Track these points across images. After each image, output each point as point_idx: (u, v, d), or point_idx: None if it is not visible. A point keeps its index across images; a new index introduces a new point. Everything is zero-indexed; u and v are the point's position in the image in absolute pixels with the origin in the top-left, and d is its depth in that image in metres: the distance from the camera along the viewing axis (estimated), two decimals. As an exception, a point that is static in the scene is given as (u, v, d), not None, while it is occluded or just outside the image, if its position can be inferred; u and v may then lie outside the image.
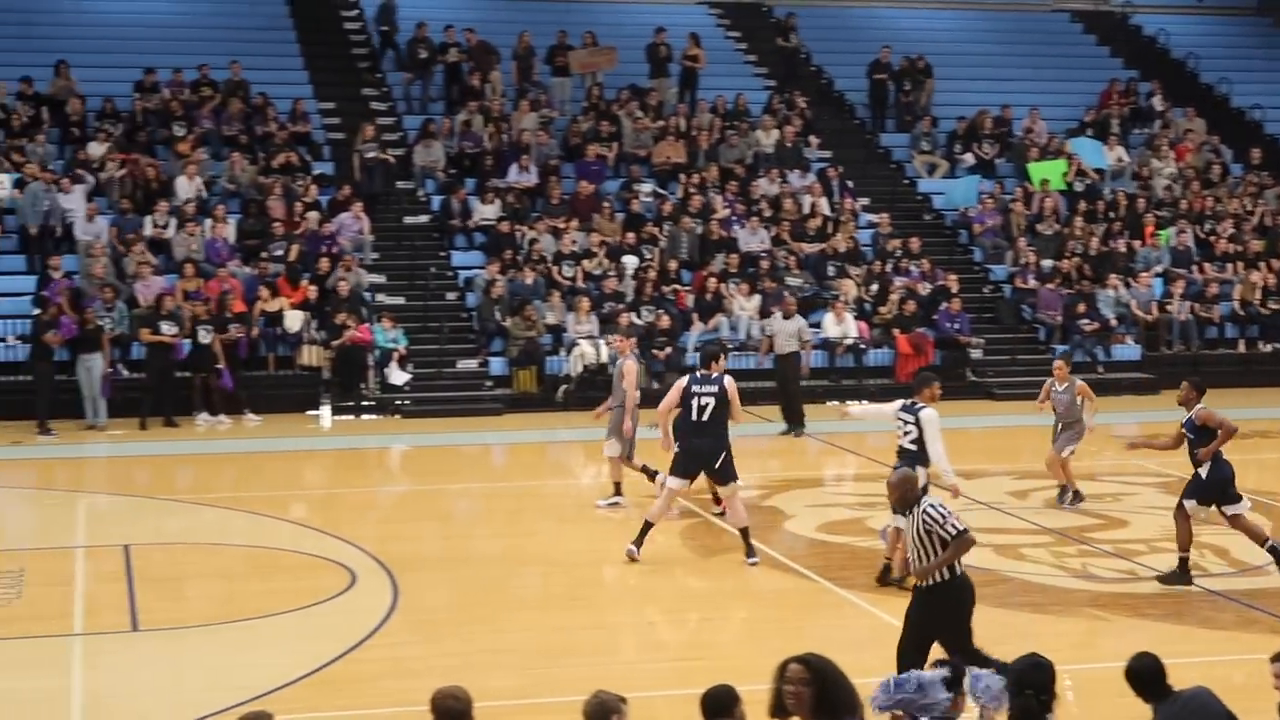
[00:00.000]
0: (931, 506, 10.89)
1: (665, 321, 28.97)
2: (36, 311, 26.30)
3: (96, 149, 30.75)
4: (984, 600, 14.96)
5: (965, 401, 28.31)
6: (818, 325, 29.87)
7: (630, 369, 19.18)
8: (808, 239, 32.12)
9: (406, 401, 27.67)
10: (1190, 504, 15.53)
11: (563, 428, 26.35)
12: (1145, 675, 8.51)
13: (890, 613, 14.46)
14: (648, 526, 16.37)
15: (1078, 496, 19.43)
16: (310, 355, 27.76)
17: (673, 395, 16.52)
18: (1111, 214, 34.21)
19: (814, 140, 35.45)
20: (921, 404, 15.11)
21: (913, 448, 15.03)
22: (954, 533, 10.72)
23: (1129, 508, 19.67)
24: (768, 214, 32.56)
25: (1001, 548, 17.24)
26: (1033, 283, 31.95)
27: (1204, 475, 15.50)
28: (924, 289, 31.09)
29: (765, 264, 30.88)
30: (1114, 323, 31.27)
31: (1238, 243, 33.83)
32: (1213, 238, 33.97)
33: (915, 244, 32.25)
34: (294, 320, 27.80)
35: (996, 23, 42.48)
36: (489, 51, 35.23)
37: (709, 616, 14.86)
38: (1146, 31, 42.65)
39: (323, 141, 33.53)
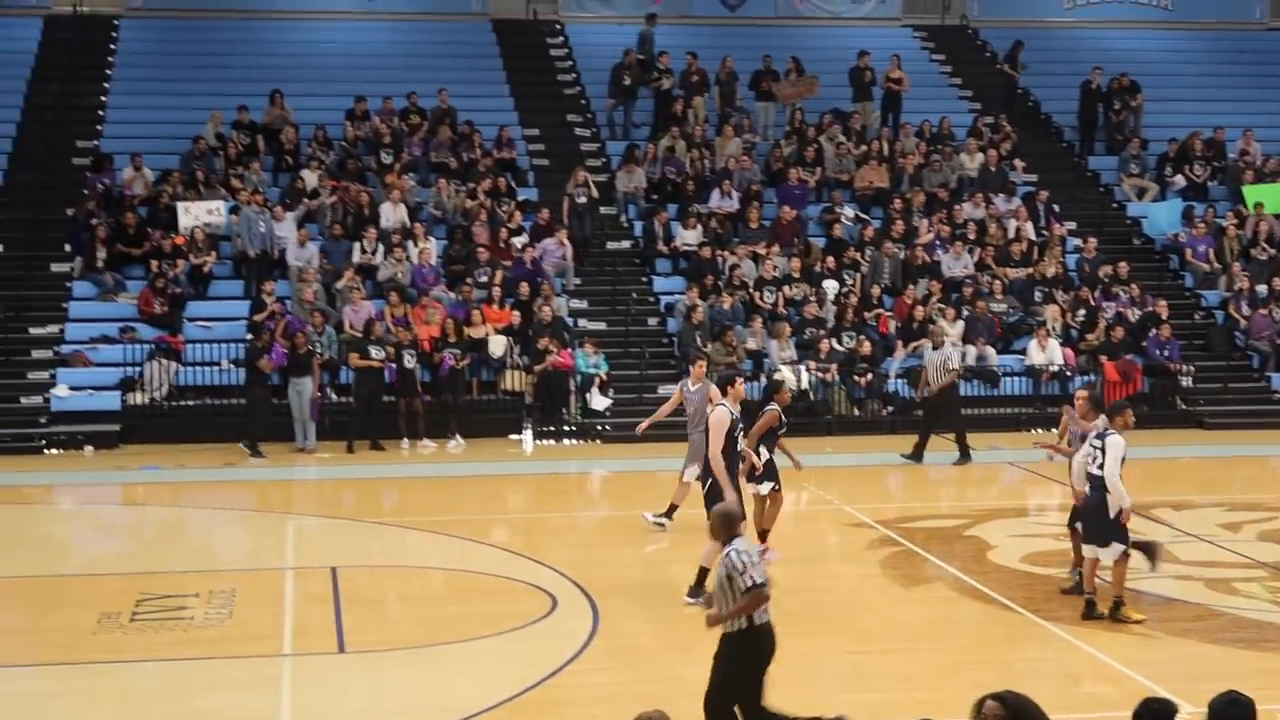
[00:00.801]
0: (736, 552, 10.57)
1: (866, 347, 28.79)
2: (250, 337, 26.95)
3: (309, 176, 31.49)
4: (1191, 635, 14.71)
5: (1175, 431, 27.70)
6: (1022, 352, 29.49)
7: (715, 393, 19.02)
8: (1013, 264, 31.70)
9: (607, 427, 27.82)
10: None
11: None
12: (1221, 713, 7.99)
13: (1097, 646, 14.21)
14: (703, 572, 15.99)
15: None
16: (513, 380, 28.06)
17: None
18: (1330, 238, 33.25)
19: (1020, 163, 34.99)
20: (1112, 431, 14.89)
21: (1099, 473, 14.89)
22: (749, 585, 10.43)
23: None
24: (972, 238, 32.20)
25: (1213, 581, 16.82)
26: (1246, 309, 31.15)
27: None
28: (1133, 315, 30.47)
29: (969, 289, 30.53)
30: (1331, 350, 30.36)
31: None
32: None
33: (1124, 269, 31.63)
34: (497, 345, 28.14)
35: (1208, 42, 41.54)
36: (699, 77, 35.40)
37: (910, 647, 14.68)
38: (1367, 49, 41.41)
39: (527, 168, 33.95)
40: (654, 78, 35.03)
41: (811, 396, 28.13)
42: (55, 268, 29.97)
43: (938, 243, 31.81)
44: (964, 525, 20.12)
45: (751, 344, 28.93)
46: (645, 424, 20.63)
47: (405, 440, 26.68)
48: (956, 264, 31.41)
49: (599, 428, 27.83)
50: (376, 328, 27.19)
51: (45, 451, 26.36)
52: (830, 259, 30.91)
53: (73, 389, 27.16)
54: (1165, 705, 7.73)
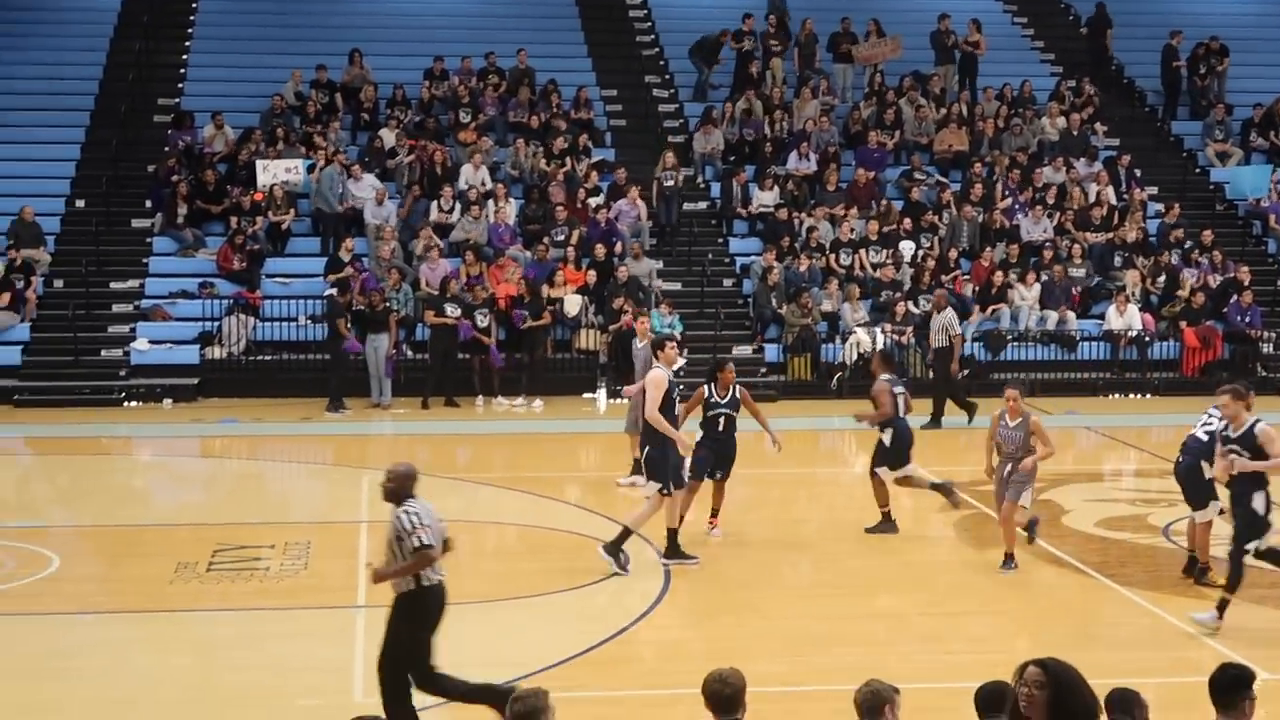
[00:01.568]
0: (406, 513, 10.55)
1: (943, 311, 28.61)
2: (330, 292, 27.10)
3: (388, 135, 31.59)
4: (1268, 603, 14.53)
5: (1255, 397, 27.31)
6: (1101, 317, 29.24)
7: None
8: (1092, 229, 31.40)
9: (681, 386, 27.73)
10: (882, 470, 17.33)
11: (836, 415, 26.16)
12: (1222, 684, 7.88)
13: (1172, 613, 14.09)
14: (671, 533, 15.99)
15: (1009, 561, 15.71)
16: (588, 339, 28.09)
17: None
18: None
19: (1101, 128, 34.62)
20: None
21: (1204, 438, 14.75)
22: (416, 545, 10.43)
23: None
24: (1051, 202, 31.92)
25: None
26: (1330, 276, 30.76)
27: (887, 442, 17.30)
28: (1214, 281, 30.12)
29: (1048, 253, 30.28)
30: None
31: None
32: None
33: (1206, 235, 31.26)
34: (573, 305, 28.17)
35: (1296, 6, 40.91)
36: (781, 37, 35.23)
37: (984, 610, 14.62)
38: None
39: (604, 128, 33.91)
40: (778, 46, 34.84)
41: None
42: (136, 224, 30.26)
43: (1017, 207, 31.55)
44: (1039, 489, 19.93)
45: (827, 306, 28.82)
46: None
47: (479, 397, 26.79)
48: (1035, 228, 31.15)
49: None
50: (452, 286, 27.28)
51: (125, 404, 26.65)
52: (908, 222, 30.72)
53: (152, 343, 27.48)
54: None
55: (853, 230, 30.37)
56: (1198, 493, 14.87)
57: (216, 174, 30.21)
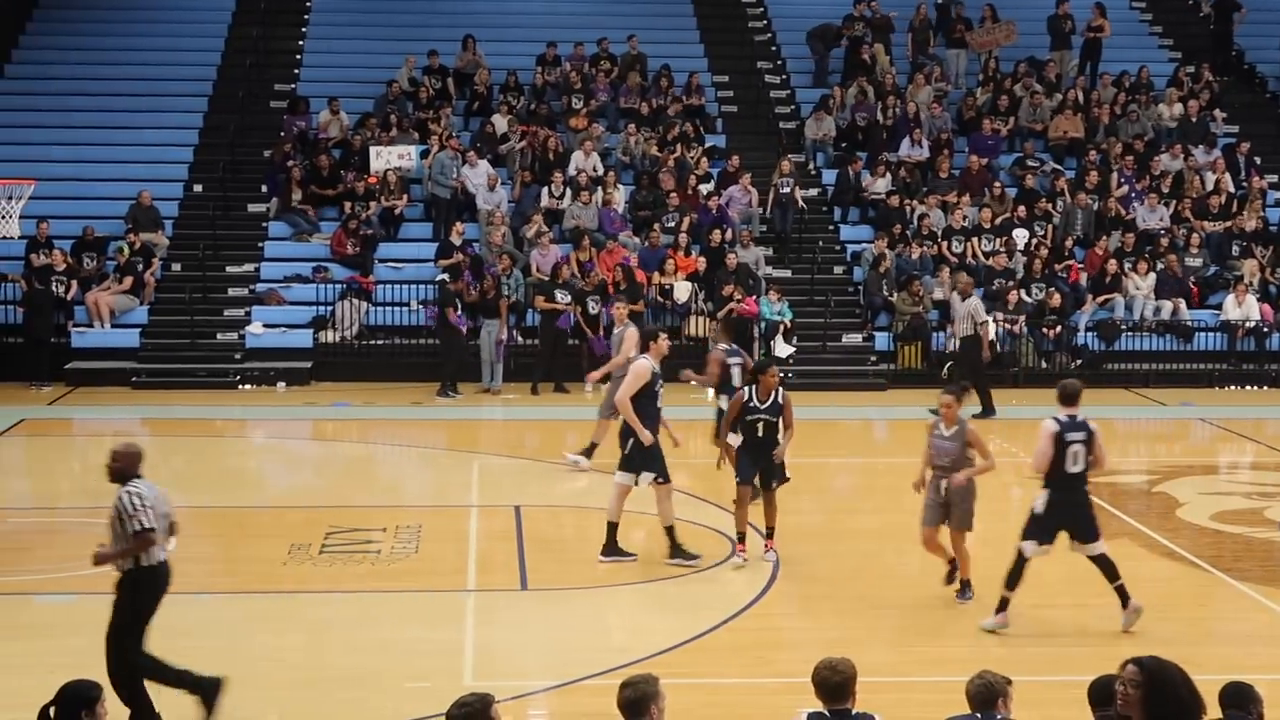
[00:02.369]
0: (129, 494, 10.51)
1: (1056, 299, 28.33)
2: (442, 277, 27.28)
3: (499, 121, 31.74)
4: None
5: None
6: (1218, 307, 28.82)
7: (631, 337, 18.76)
8: (1210, 217, 30.95)
9: (790, 374, 27.72)
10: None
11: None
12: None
13: (1288, 608, 13.89)
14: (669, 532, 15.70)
15: (966, 589, 14.45)
16: (697, 326, 28.08)
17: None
18: None
19: (1220, 114, 34.10)
20: None
21: None
22: (137, 529, 10.41)
23: None
24: (1168, 190, 31.48)
25: None
26: None
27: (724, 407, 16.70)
28: (1335, 271, 29.64)
29: (1164, 242, 29.88)
30: None
31: None
32: None
33: (1327, 224, 30.76)
34: (683, 291, 28.17)
35: None
36: (888, 25, 35.04)
37: (1095, 603, 14.46)
38: None
39: (716, 114, 33.87)
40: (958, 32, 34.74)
41: (999, 348, 27.77)
42: (251, 208, 30.63)
43: (1133, 195, 31.16)
44: (1153, 481, 19.77)
45: (938, 294, 28.62)
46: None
47: (588, 384, 26.83)
48: (1151, 216, 30.75)
49: (783, 375, 27.67)
50: (563, 272, 27.37)
51: (239, 387, 26.99)
52: (1021, 209, 30.43)
53: (267, 326, 27.82)
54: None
55: (965, 218, 30.13)
56: None
57: (331, 159, 30.50)
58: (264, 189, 30.71)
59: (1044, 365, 28.04)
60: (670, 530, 15.58)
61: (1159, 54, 36.74)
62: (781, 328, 27.98)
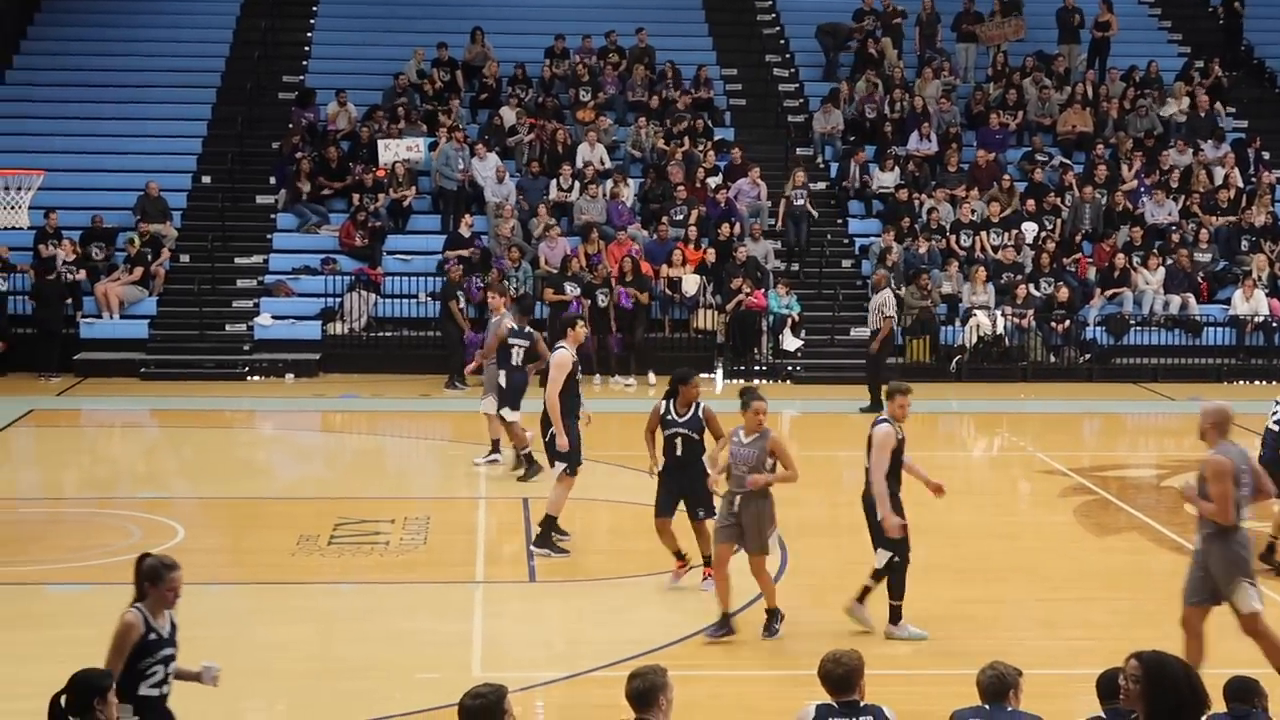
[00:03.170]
0: None
1: (1064, 293, 28.31)
2: (449, 266, 27.28)
3: (508, 113, 31.75)
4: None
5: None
6: (1226, 302, 28.81)
7: (503, 327, 18.73)
8: (1219, 212, 30.92)
9: (798, 367, 27.77)
10: (505, 411, 18.19)
11: (955, 399, 26.01)
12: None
13: (1296, 603, 13.89)
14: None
15: (773, 621, 13.09)
16: (705, 319, 28.09)
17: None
18: None
19: (1229, 109, 34.05)
20: None
21: (1276, 428, 15.20)
22: None
23: None
24: (1176, 185, 31.46)
25: None
26: None
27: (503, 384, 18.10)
28: (1344, 266, 29.59)
29: (1173, 237, 29.86)
30: None
31: None
32: None
33: (1336, 219, 30.71)
34: (691, 284, 28.18)
35: None
36: (898, 17, 35.01)
37: (1102, 596, 14.48)
38: None
39: (724, 108, 33.86)
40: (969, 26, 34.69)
41: (1007, 342, 27.81)
42: (260, 200, 30.66)
43: (1141, 189, 31.13)
44: (1161, 475, 19.76)
45: (947, 288, 28.61)
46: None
47: (596, 375, 26.87)
48: (1160, 211, 30.73)
49: (790, 368, 27.77)
50: (572, 264, 27.38)
51: (248, 378, 27.03)
52: (1030, 203, 30.42)
53: (275, 318, 27.86)
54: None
55: (973, 212, 30.12)
56: None
57: (339, 151, 30.51)
58: (273, 180, 30.74)
59: (1052, 360, 28.04)
60: (551, 520, 15.47)
61: (1168, 49, 36.66)
62: (789, 321, 28.00)
